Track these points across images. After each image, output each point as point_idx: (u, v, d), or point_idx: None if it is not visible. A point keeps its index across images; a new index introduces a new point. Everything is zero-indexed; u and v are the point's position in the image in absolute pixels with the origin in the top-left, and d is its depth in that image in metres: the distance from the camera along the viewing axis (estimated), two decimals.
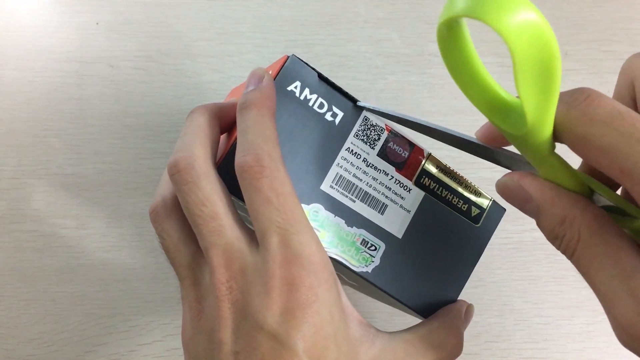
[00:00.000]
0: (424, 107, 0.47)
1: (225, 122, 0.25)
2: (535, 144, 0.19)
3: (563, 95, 0.18)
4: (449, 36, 0.18)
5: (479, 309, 0.44)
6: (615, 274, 0.17)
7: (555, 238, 0.20)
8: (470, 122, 0.46)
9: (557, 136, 0.19)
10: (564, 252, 0.20)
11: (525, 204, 0.21)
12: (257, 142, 0.22)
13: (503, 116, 0.19)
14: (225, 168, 0.23)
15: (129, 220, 0.44)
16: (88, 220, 0.44)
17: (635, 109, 0.20)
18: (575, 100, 0.18)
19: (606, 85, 0.48)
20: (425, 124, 0.23)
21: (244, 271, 0.22)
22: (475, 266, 0.27)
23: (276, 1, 0.50)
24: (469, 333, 0.26)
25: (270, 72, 0.25)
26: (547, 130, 0.18)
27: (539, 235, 0.46)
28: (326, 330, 0.21)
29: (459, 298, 0.27)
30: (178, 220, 0.24)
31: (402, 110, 0.47)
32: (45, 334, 0.42)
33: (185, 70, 0.47)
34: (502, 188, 0.21)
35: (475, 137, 0.22)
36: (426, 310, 0.26)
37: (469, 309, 0.27)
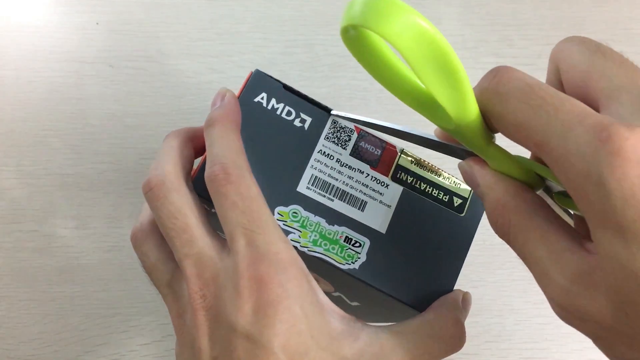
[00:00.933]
0: None
1: (199, 143, 0.26)
2: (470, 135, 0.19)
3: (480, 79, 0.19)
4: (356, 40, 0.18)
5: (479, 309, 0.44)
6: (546, 255, 0.18)
7: (491, 223, 0.20)
8: None
9: (486, 123, 0.19)
10: (501, 237, 0.20)
11: (475, 189, 0.21)
12: (222, 153, 0.23)
13: (431, 112, 0.20)
14: (199, 182, 0.24)
15: (129, 220, 0.44)
16: (88, 220, 0.44)
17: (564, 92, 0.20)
18: (485, 80, 0.18)
19: None
20: (393, 127, 0.24)
21: (215, 277, 0.22)
22: (466, 255, 0.27)
23: (276, 1, 0.50)
24: (468, 333, 0.25)
25: (231, 90, 0.26)
26: (475, 120, 0.18)
27: None
28: (300, 325, 0.22)
29: (455, 288, 0.27)
30: (156, 241, 0.25)
31: (402, 110, 0.47)
32: (45, 334, 0.42)
33: (185, 70, 0.47)
34: (461, 171, 0.22)
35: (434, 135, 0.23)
36: (421, 303, 0.26)
37: (465, 296, 0.26)
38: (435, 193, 0.27)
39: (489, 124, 0.19)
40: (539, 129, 0.17)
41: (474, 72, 0.49)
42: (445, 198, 0.27)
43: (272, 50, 0.48)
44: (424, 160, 0.27)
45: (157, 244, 0.25)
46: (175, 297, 0.24)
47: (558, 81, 0.20)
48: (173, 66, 0.47)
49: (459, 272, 0.27)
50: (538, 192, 0.21)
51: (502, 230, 0.20)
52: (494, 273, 0.43)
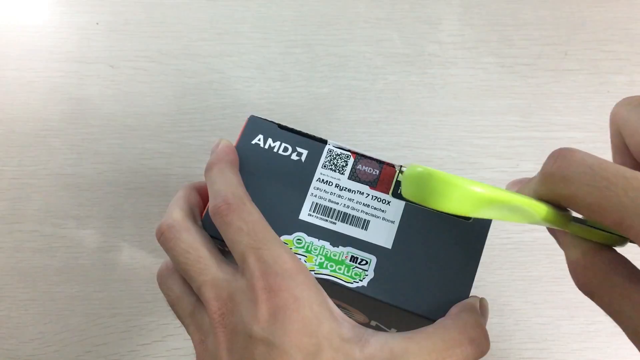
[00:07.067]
0: (424, 107, 0.47)
1: (205, 192, 0.28)
2: (549, 224, 0.20)
3: (543, 164, 0.20)
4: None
5: None
6: (632, 312, 0.18)
7: (575, 283, 0.21)
8: (471, 122, 0.46)
9: (559, 205, 0.20)
10: (588, 297, 0.21)
11: (561, 248, 0.22)
12: (221, 188, 0.25)
13: (510, 216, 0.21)
14: (208, 221, 0.27)
15: (129, 220, 0.44)
16: (88, 220, 0.44)
17: (630, 155, 0.21)
18: (548, 165, 0.19)
19: (606, 85, 0.48)
20: None
21: (232, 296, 0.24)
22: (479, 260, 0.27)
23: (276, 1, 0.50)
24: None
25: (225, 138, 0.28)
26: (546, 216, 0.20)
27: (539, 235, 0.46)
28: (311, 327, 0.23)
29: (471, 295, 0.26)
30: (178, 278, 0.27)
31: (401, 110, 0.47)
32: (45, 334, 0.42)
33: (185, 70, 0.47)
34: (550, 234, 0.24)
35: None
36: (435, 313, 0.26)
37: (482, 302, 0.26)
38: None
39: (561, 205, 0.20)
40: (612, 209, 0.17)
41: (473, 72, 0.49)
42: None
43: (272, 50, 0.48)
44: None
45: (180, 280, 0.27)
46: (197, 325, 0.25)
47: (622, 144, 0.21)
48: (173, 66, 0.47)
49: (474, 278, 0.26)
50: (623, 248, 0.22)
51: (586, 290, 0.20)
52: (494, 273, 0.43)
